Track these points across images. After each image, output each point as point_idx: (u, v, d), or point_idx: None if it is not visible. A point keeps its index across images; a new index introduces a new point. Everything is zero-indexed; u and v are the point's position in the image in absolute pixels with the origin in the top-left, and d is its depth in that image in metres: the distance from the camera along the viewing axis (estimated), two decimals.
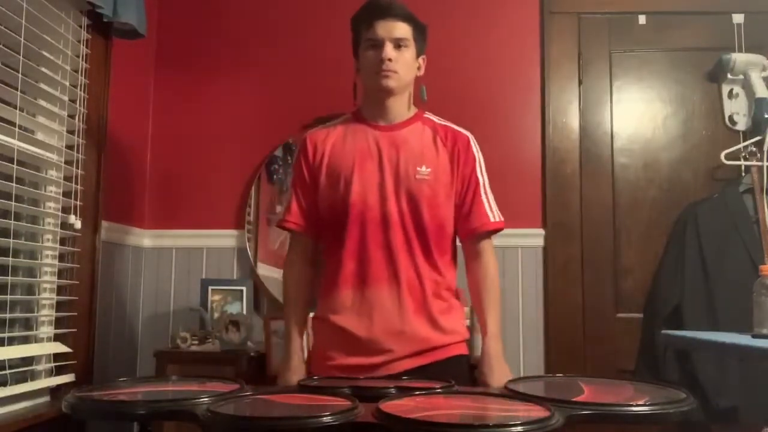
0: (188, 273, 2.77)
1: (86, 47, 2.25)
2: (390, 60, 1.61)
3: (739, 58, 2.69)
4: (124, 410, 1.18)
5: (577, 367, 2.63)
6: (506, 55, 2.83)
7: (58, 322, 2.15)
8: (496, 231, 1.69)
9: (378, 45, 1.62)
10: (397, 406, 1.07)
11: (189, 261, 2.79)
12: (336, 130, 1.72)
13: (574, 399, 1.13)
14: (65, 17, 2.16)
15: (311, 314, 1.75)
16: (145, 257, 2.78)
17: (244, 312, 2.57)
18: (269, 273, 2.71)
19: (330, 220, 1.66)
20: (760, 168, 2.56)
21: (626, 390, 1.27)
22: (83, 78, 2.24)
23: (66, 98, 2.18)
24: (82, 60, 2.24)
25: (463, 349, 1.66)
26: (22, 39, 1.92)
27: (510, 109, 2.81)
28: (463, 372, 1.61)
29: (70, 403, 1.16)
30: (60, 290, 2.16)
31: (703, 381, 2.36)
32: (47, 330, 2.11)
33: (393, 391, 1.24)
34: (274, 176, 2.80)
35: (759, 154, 2.58)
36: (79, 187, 2.20)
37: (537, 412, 1.03)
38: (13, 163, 1.90)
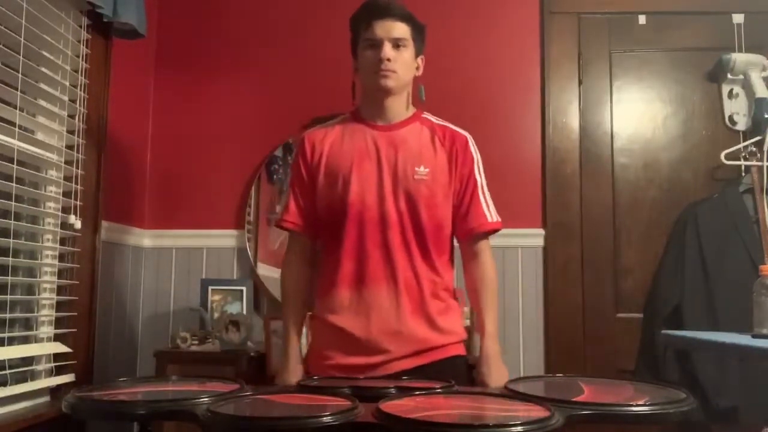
0: (188, 273, 2.77)
1: (86, 47, 2.25)
2: (389, 60, 1.61)
3: (739, 58, 2.69)
4: (124, 410, 1.18)
5: (577, 367, 2.63)
6: (506, 55, 2.83)
7: (58, 322, 2.15)
8: (494, 231, 1.69)
9: (377, 45, 1.62)
10: (397, 406, 1.07)
11: (189, 261, 2.79)
12: (334, 129, 1.72)
13: (574, 399, 1.13)
14: (65, 17, 2.16)
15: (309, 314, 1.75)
16: (145, 257, 2.78)
17: (244, 312, 2.57)
18: (269, 273, 2.71)
19: (328, 220, 1.66)
20: (760, 168, 2.56)
21: (626, 390, 1.27)
22: (83, 78, 2.24)
23: (66, 98, 2.18)
24: (82, 60, 2.24)
25: (460, 350, 1.66)
26: (22, 39, 1.92)
27: (510, 109, 2.81)
28: (460, 373, 1.61)
29: (70, 403, 1.16)
30: (60, 290, 2.16)
31: (703, 381, 2.36)
32: (47, 330, 2.11)
33: (393, 391, 1.24)
34: (274, 176, 2.80)
35: (759, 154, 2.58)
36: (79, 187, 2.20)
37: (537, 412, 1.03)
38: (13, 163, 1.90)
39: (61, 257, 2.18)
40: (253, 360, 2.29)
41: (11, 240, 1.89)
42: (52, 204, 2.15)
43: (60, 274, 2.17)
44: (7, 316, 1.93)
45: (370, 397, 1.14)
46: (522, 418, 1.00)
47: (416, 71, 1.71)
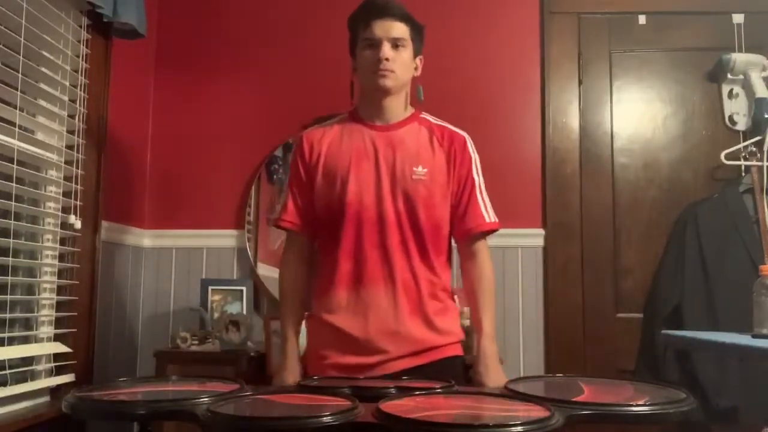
0: (188, 273, 2.77)
1: (86, 47, 2.25)
2: (387, 59, 1.61)
3: (739, 58, 2.69)
4: (124, 410, 1.18)
5: (577, 367, 2.63)
6: (506, 55, 2.84)
7: (58, 322, 2.15)
8: (492, 232, 1.69)
9: (375, 44, 1.62)
10: (397, 406, 1.07)
11: (189, 261, 2.79)
12: (332, 129, 1.72)
13: (574, 399, 1.13)
14: (65, 17, 2.16)
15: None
16: (145, 257, 2.78)
17: (244, 312, 2.57)
18: (269, 273, 2.71)
19: (326, 220, 1.65)
20: (760, 168, 2.56)
21: (626, 390, 1.27)
22: (83, 78, 2.24)
23: (66, 98, 2.18)
24: (82, 60, 2.24)
25: (458, 350, 1.66)
26: (22, 39, 1.92)
27: (510, 109, 2.81)
28: (458, 373, 1.61)
29: (70, 403, 1.16)
30: (60, 290, 2.16)
31: (703, 381, 2.36)
32: (47, 330, 2.11)
33: (393, 391, 1.24)
34: (274, 176, 2.80)
35: (759, 154, 2.58)
36: (79, 187, 2.20)
37: (537, 412, 1.03)
38: (13, 163, 1.90)
39: (61, 257, 2.18)
40: (253, 360, 2.29)
41: (11, 240, 1.89)
42: (52, 204, 2.15)
43: (60, 274, 2.17)
44: (7, 316, 1.93)
45: (370, 397, 1.14)
46: (522, 418, 1.00)
47: (415, 71, 1.71)
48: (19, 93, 1.95)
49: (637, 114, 2.80)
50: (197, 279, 2.71)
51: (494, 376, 1.60)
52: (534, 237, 2.74)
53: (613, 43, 2.83)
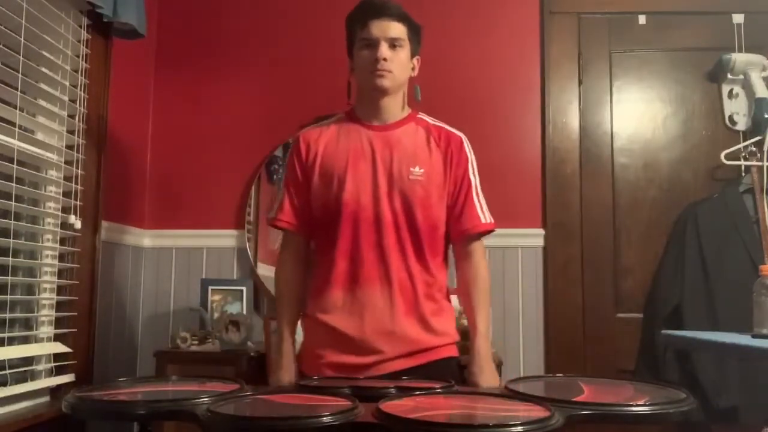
0: (188, 273, 2.77)
1: (86, 47, 2.25)
2: (385, 59, 1.60)
3: (739, 58, 2.69)
4: (124, 410, 1.18)
5: (577, 367, 2.63)
6: (506, 55, 2.83)
7: (58, 322, 2.15)
8: (487, 232, 1.69)
9: (373, 44, 1.62)
10: (397, 406, 1.07)
11: (189, 261, 2.79)
12: (329, 129, 1.72)
13: (574, 399, 1.13)
14: (65, 17, 2.16)
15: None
16: (145, 257, 2.78)
17: (244, 312, 2.57)
18: (269, 273, 2.70)
19: (322, 220, 1.65)
20: (760, 168, 2.56)
21: (626, 390, 1.27)
22: (83, 78, 2.24)
23: (66, 98, 2.18)
24: (82, 60, 2.24)
25: (453, 351, 1.66)
26: (22, 39, 1.92)
27: (510, 109, 2.81)
28: (452, 375, 1.60)
29: (70, 403, 1.16)
30: (60, 290, 2.16)
31: (703, 381, 2.36)
32: (47, 330, 2.11)
33: (393, 391, 1.24)
34: (274, 176, 2.80)
35: (759, 154, 2.58)
36: (79, 187, 2.20)
37: (537, 412, 1.03)
38: (13, 163, 1.90)
39: (61, 257, 2.18)
40: (253, 360, 2.29)
41: (11, 240, 1.89)
42: (52, 204, 2.15)
43: (60, 274, 2.17)
44: (7, 316, 1.93)
45: (370, 397, 1.14)
46: (522, 418, 1.00)
47: (412, 72, 1.71)
48: (19, 93, 1.95)
49: (637, 114, 2.80)
50: (197, 279, 2.71)
51: (488, 376, 1.60)
52: (534, 237, 2.74)
53: (613, 43, 2.83)
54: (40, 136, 2.12)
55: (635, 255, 2.72)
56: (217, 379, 1.37)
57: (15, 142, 1.92)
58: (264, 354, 2.32)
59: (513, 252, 2.72)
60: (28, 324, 2.08)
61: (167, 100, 2.87)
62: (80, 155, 2.22)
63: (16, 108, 1.94)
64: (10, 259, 1.90)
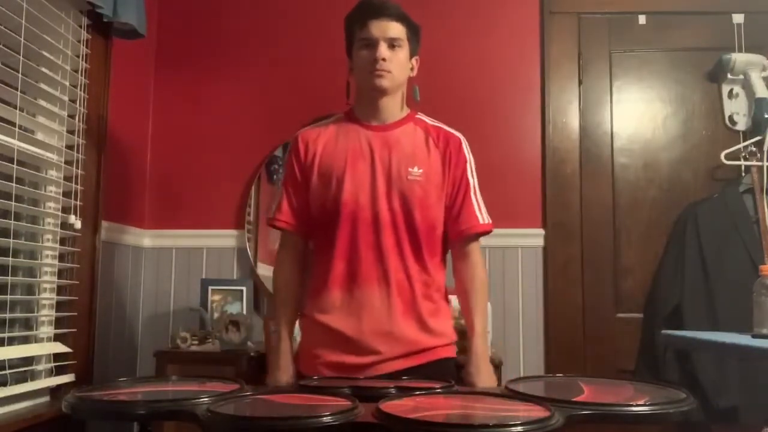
0: (188, 273, 2.77)
1: (86, 47, 2.25)
2: (384, 60, 1.60)
3: (739, 58, 2.69)
4: (124, 410, 1.18)
5: (577, 367, 2.63)
6: (506, 55, 2.83)
7: (58, 322, 2.15)
8: (485, 233, 1.70)
9: (372, 44, 1.62)
10: (397, 406, 1.07)
11: (189, 261, 2.79)
12: (328, 129, 1.72)
13: (574, 399, 1.13)
14: (65, 17, 2.16)
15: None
16: (145, 257, 2.78)
17: (244, 312, 2.57)
18: (269, 273, 2.70)
19: (321, 220, 1.65)
20: (760, 168, 2.56)
21: (626, 390, 1.27)
22: (83, 78, 2.24)
23: (66, 98, 2.18)
24: (82, 60, 2.24)
25: (450, 352, 1.67)
26: (22, 39, 1.92)
27: (510, 109, 2.81)
28: (450, 375, 1.60)
29: (70, 403, 1.16)
30: (60, 290, 2.16)
31: (703, 381, 2.36)
32: (47, 330, 2.11)
33: (393, 391, 1.24)
34: (274, 176, 2.80)
35: (759, 154, 2.58)
36: (79, 187, 2.20)
37: (537, 412, 1.03)
38: (13, 163, 1.90)
39: (61, 257, 2.18)
40: (253, 360, 2.29)
41: (11, 240, 1.89)
42: (52, 204, 2.15)
43: (60, 274, 2.17)
44: (7, 316, 1.93)
45: (370, 397, 1.14)
46: (522, 418, 1.00)
47: (411, 72, 1.71)
48: (19, 93, 1.95)
49: (637, 114, 2.80)
50: (197, 279, 2.71)
51: (485, 377, 1.61)
52: (534, 237, 2.74)
53: (613, 43, 2.83)
54: (40, 136, 2.12)
55: (635, 255, 2.72)
56: (217, 379, 1.37)
57: (15, 142, 1.92)
58: (264, 354, 2.32)
59: (513, 252, 2.72)
60: (28, 324, 2.08)
61: (167, 100, 2.87)
62: (80, 155, 2.22)
63: (16, 108, 1.94)
64: (10, 259, 1.90)
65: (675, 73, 2.80)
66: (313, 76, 2.83)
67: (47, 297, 2.12)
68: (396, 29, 1.62)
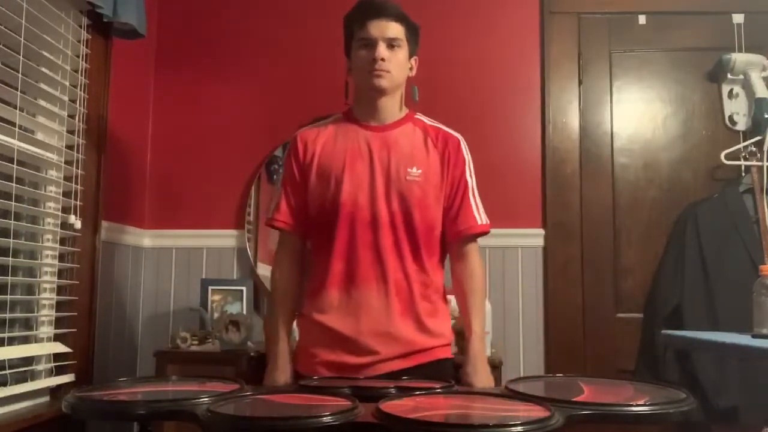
0: (188, 273, 2.77)
1: (86, 47, 2.25)
2: (383, 59, 1.60)
3: (739, 58, 2.69)
4: (124, 410, 1.18)
5: (577, 367, 2.63)
6: (506, 55, 2.83)
7: (58, 322, 2.15)
8: (483, 234, 1.69)
9: (371, 44, 1.61)
10: (397, 406, 1.07)
11: (189, 261, 2.79)
12: (327, 129, 1.71)
13: (574, 399, 1.13)
14: (65, 17, 2.16)
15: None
16: (145, 257, 2.78)
17: (244, 312, 2.57)
18: (269, 273, 2.70)
19: (319, 220, 1.65)
20: (760, 168, 2.56)
21: (626, 390, 1.27)
22: (83, 78, 2.24)
23: (66, 98, 2.18)
24: (82, 60, 2.24)
25: (448, 353, 1.67)
26: (22, 39, 1.92)
27: (510, 109, 2.81)
28: (447, 376, 1.61)
29: (70, 403, 1.16)
30: (60, 290, 2.16)
31: (703, 381, 2.36)
32: (47, 330, 2.11)
33: (393, 391, 1.24)
34: (274, 176, 2.80)
35: (759, 154, 2.58)
36: (79, 187, 2.20)
37: (537, 412, 1.04)
38: (13, 163, 1.90)
39: (61, 257, 2.18)
40: (253, 360, 2.29)
41: (11, 240, 1.89)
42: (52, 204, 2.15)
43: (60, 274, 2.17)
44: (7, 316, 1.93)
45: (370, 397, 1.14)
46: (522, 418, 1.00)
47: (410, 72, 1.71)
48: (19, 93, 1.95)
49: (637, 114, 2.80)
50: (197, 279, 2.71)
51: (482, 377, 1.60)
52: (534, 237, 2.74)
53: (613, 43, 2.83)
54: (40, 136, 2.12)
55: (635, 255, 2.72)
56: (217, 379, 1.37)
57: (15, 142, 1.92)
58: (264, 354, 2.31)
59: (513, 252, 2.72)
60: (28, 324, 2.08)
61: (167, 100, 2.87)
62: (80, 155, 2.22)
63: (16, 108, 1.94)
64: (10, 259, 1.90)
65: (675, 73, 2.80)
66: (313, 76, 2.83)
67: (47, 297, 2.12)
68: (395, 29, 1.62)
